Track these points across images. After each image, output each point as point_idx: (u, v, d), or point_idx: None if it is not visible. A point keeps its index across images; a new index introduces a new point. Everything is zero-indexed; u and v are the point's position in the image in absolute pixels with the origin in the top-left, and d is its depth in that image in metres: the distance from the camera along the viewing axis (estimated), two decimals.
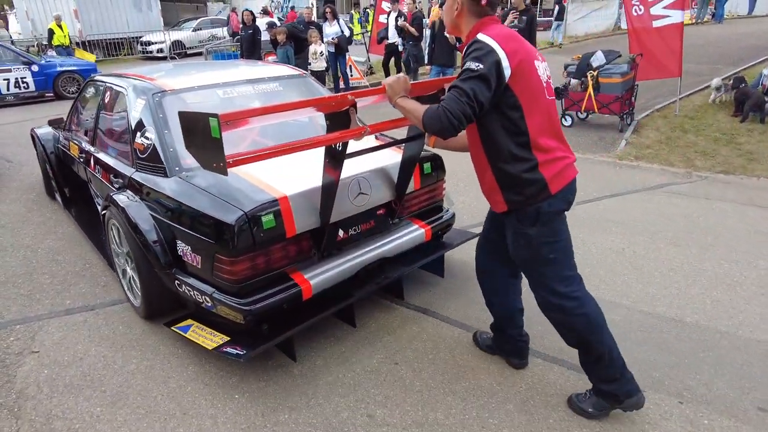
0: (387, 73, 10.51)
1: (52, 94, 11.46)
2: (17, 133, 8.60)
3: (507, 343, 2.65)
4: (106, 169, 3.46)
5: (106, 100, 3.73)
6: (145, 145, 3.00)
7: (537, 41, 7.69)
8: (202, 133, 1.79)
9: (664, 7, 6.70)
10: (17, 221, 4.77)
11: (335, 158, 2.27)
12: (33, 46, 17.92)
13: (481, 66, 1.83)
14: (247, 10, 10.14)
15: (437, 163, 3.18)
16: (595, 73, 7.21)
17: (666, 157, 6.22)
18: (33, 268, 3.86)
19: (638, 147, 6.61)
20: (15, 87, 11.00)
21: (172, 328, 2.72)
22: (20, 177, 6.14)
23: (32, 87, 11.22)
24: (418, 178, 3.04)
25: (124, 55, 18.72)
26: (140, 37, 19.05)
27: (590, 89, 7.23)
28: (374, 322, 3.09)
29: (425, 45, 8.06)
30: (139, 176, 3.00)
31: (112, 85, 3.66)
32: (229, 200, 2.44)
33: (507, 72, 1.87)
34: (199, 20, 20.68)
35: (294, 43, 8.79)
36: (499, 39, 1.88)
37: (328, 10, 9.76)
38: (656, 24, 6.82)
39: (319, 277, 2.61)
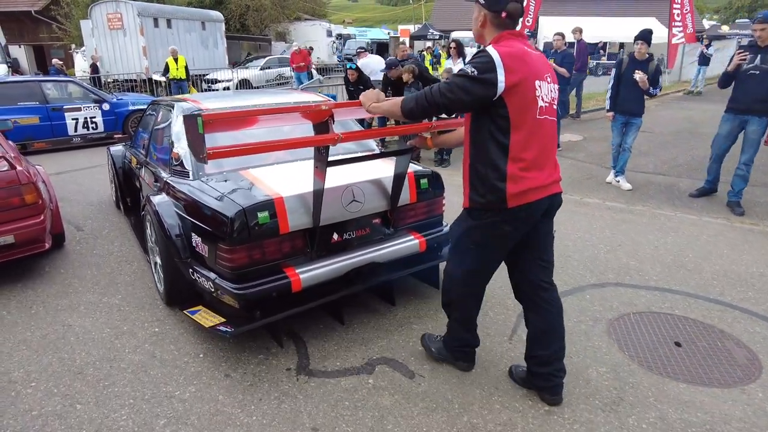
0: None
1: (120, 135, 9.89)
2: (86, 183, 6.88)
3: (539, 378, 2.46)
4: (152, 175, 3.87)
5: (159, 118, 4.20)
6: (179, 154, 3.45)
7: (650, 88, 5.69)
8: (194, 131, 2.22)
9: None
10: (106, 354, 2.84)
11: (321, 161, 2.55)
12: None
13: (476, 72, 2.00)
14: (361, 48, 8.39)
15: (435, 181, 3.33)
16: None
17: None
18: None
19: None
20: (83, 127, 9.42)
21: (184, 311, 3.01)
22: (95, 258, 4.27)
23: (101, 127, 9.63)
24: (414, 192, 3.20)
25: (189, 92, 17.44)
26: (205, 75, 17.78)
27: None
28: (362, 323, 3.16)
29: (608, 88, 6.17)
30: (171, 180, 3.40)
31: (166, 105, 4.10)
32: (233, 198, 2.75)
33: (501, 86, 1.99)
34: (267, 59, 19.42)
35: (421, 83, 6.90)
36: (504, 55, 2.01)
37: (453, 45, 7.89)
38: None
39: (309, 272, 2.77)
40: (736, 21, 37.78)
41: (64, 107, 9.21)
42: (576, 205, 5.54)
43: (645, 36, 5.74)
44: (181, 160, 3.40)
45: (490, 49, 2.04)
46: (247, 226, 2.59)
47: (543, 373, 2.42)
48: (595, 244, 4.43)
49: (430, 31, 29.59)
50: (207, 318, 2.83)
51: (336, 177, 2.74)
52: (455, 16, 33.76)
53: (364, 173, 3.05)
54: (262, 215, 2.63)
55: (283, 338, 2.96)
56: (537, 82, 2.09)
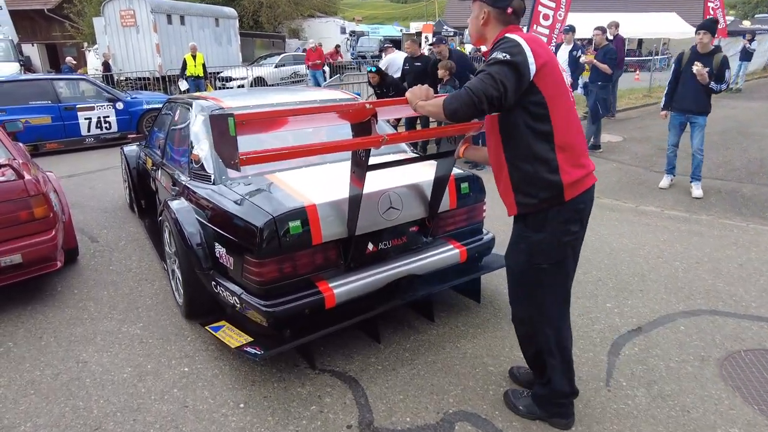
0: None
1: (134, 135, 9.50)
2: (99, 187, 6.45)
3: None
4: (169, 177, 3.61)
5: (176, 118, 3.92)
6: (199, 156, 3.16)
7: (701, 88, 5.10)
8: (223, 133, 1.89)
9: None
10: (128, 402, 2.36)
11: (359, 166, 2.25)
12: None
13: (509, 56, 1.80)
14: (388, 44, 7.81)
15: (476, 184, 3.05)
16: None
17: None
18: None
19: None
20: (96, 127, 8.99)
21: (206, 327, 2.72)
22: (112, 276, 3.81)
23: (114, 127, 9.20)
24: (455, 197, 2.93)
25: (206, 90, 17.00)
26: (219, 73, 17.34)
27: None
28: (400, 342, 2.85)
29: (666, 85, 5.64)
30: (191, 184, 3.12)
31: (183, 104, 3.83)
32: (261, 205, 2.48)
33: (532, 68, 1.83)
34: (281, 56, 18.93)
35: (459, 81, 6.36)
36: (526, 39, 1.86)
37: None
38: None
39: (344, 287, 2.54)
40: (756, 16, 36.74)
41: (77, 106, 8.80)
42: (634, 214, 5.01)
43: (708, 26, 5.19)
44: (202, 163, 3.12)
45: (511, 36, 1.88)
46: (277, 237, 2.34)
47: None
48: (668, 261, 3.91)
49: (445, 27, 29.01)
50: (232, 337, 2.57)
51: (372, 182, 2.46)
52: (468, 14, 33.16)
53: (402, 178, 2.78)
54: (294, 224, 2.37)
55: (315, 360, 2.63)
56: (559, 66, 1.97)
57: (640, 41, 29.58)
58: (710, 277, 3.65)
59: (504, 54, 1.81)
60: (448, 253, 2.92)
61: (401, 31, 36.30)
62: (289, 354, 2.70)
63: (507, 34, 1.90)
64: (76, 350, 2.85)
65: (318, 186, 2.72)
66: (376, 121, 2.21)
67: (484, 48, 2.11)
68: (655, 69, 16.78)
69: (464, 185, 2.98)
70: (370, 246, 2.67)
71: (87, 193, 6.18)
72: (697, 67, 5.01)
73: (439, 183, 2.71)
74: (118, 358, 2.76)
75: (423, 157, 2.94)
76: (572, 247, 2.04)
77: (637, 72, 20.12)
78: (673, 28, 24.71)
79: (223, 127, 1.89)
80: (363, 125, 2.22)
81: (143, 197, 4.94)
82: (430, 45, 6.96)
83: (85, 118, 8.86)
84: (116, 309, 3.30)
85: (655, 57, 18.22)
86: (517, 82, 1.81)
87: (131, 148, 5.27)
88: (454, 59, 6.46)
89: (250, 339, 2.51)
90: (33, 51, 25.56)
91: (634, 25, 27.19)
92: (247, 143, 2.50)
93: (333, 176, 2.91)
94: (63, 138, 8.73)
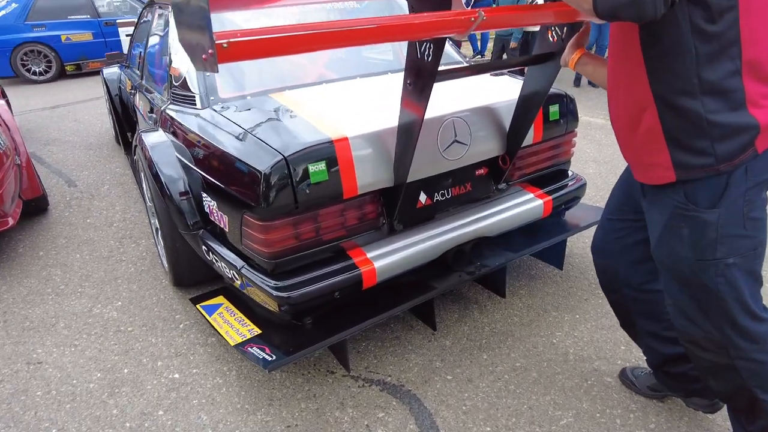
0: None
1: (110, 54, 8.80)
2: (86, 120, 5.54)
3: (678, 378, 1.57)
4: (147, 102, 2.80)
5: (154, 24, 3.08)
6: (181, 70, 2.30)
7: None
8: (188, 7, 1.00)
9: None
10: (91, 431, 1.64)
11: (421, 75, 1.39)
12: None
13: None
14: None
15: (568, 107, 2.15)
16: None
17: None
18: None
19: None
20: None
21: (197, 306, 1.97)
22: (88, 232, 3.00)
23: None
24: (540, 126, 2.06)
25: None
26: None
27: None
28: (470, 335, 2.04)
29: None
30: (171, 109, 2.29)
31: (162, 5, 2.94)
32: (266, 139, 1.66)
33: None
34: None
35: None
36: None
37: None
38: None
39: (388, 257, 1.78)
40: None
41: (118, 21, 7.95)
42: None
43: None
44: (183, 79, 2.26)
45: None
46: (291, 187, 1.56)
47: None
48: None
49: None
50: (230, 324, 1.83)
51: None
52: None
53: (469, 98, 1.96)
54: (316, 169, 1.59)
55: (349, 360, 1.82)
56: None
57: None
58: None
59: None
60: (527, 205, 2.12)
61: None
62: (318, 351, 1.93)
63: None
64: (29, 343, 2.09)
65: (347, 111, 1.92)
66: None
67: None
68: None
69: (553, 108, 2.12)
70: (423, 198, 1.88)
71: (70, 128, 5.30)
72: None
73: (529, 104, 1.84)
74: (85, 356, 2.00)
75: (515, 62, 1.93)
76: (764, 225, 1.23)
77: None
78: None
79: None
80: None
81: (129, 129, 4.12)
82: None
83: (127, 35, 7.95)
84: (89, 280, 2.52)
85: None
86: None
87: (112, 71, 4.38)
88: None
89: (256, 330, 1.76)
90: None
91: None
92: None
93: (365, 96, 2.12)
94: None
